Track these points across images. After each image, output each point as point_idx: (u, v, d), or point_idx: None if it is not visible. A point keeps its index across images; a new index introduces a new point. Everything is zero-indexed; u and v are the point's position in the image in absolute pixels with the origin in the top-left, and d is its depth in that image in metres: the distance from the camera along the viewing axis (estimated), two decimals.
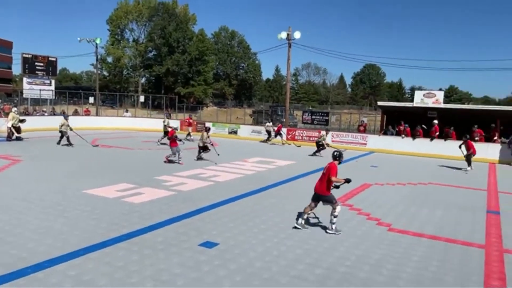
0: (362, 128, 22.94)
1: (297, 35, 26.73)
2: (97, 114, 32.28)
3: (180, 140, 13.95)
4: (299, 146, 20.74)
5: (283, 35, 26.75)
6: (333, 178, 6.58)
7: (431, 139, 19.12)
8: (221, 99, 72.52)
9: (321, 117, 27.59)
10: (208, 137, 14.46)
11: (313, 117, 27.50)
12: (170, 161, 13.37)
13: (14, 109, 20.30)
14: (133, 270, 4.93)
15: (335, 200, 6.70)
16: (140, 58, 63.01)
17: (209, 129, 15.48)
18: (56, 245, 5.62)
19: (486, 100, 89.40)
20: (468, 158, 14.67)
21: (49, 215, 7.07)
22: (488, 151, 17.78)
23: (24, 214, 7.06)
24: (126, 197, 8.63)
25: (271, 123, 23.42)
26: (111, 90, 54.31)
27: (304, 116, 28.42)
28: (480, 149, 16.06)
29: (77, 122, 24.46)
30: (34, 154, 14.70)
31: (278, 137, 22.16)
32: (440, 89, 24.76)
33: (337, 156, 6.89)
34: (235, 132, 25.73)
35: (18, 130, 18.49)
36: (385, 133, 21.33)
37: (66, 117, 17.75)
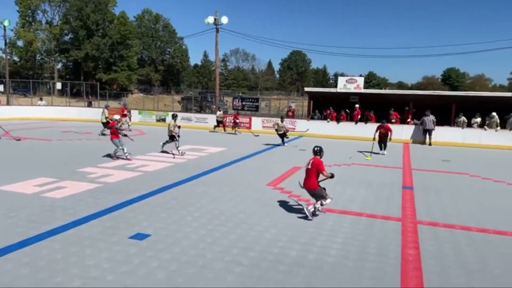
0: (290, 114, 23.61)
1: (224, 20, 26.53)
2: (8, 103, 29.35)
3: (125, 135, 12.74)
4: (257, 136, 19.72)
5: (210, 19, 26.40)
6: (325, 173, 6.69)
7: (355, 123, 20.33)
8: (147, 85, 69.78)
9: (251, 103, 27.92)
10: (179, 127, 13.43)
11: (244, 103, 27.73)
12: (118, 158, 12.00)
13: None
14: (58, 269, 4.63)
15: (326, 193, 6.82)
16: (55, 41, 58.08)
17: (176, 116, 14.27)
18: None
19: (401, 85, 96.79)
20: (385, 141, 14.73)
21: None
22: (403, 132, 19.38)
23: None
24: (46, 192, 8.02)
25: (221, 111, 22.60)
26: (23, 77, 49.54)
27: (234, 102, 28.54)
28: (395, 131, 17.45)
29: None
30: None
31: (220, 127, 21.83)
32: (361, 75, 26.31)
33: (318, 152, 6.93)
34: (164, 120, 25.01)
35: None
36: (312, 118, 22.21)
37: None
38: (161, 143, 13.70)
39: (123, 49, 58.31)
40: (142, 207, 7.24)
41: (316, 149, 6.97)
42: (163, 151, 13.47)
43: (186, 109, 34.68)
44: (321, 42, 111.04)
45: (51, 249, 5.19)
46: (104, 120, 18.45)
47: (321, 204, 6.78)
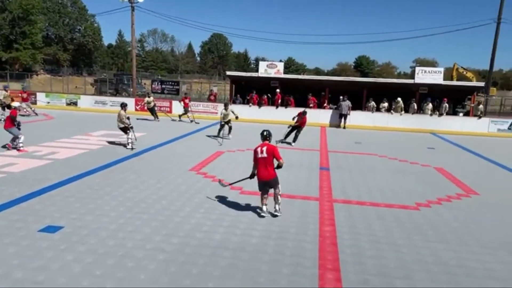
0: (212, 98, 23.43)
1: None
2: None
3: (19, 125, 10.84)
4: (198, 123, 18.25)
5: None
6: (281, 161, 6.07)
7: (276, 107, 20.85)
8: (55, 66, 63.94)
9: (172, 87, 27.15)
10: (128, 118, 11.79)
11: (163, 86, 26.86)
12: (14, 148, 10.60)
13: None
14: None
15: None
16: None
17: (126, 105, 12.26)
18: None
19: (317, 71, 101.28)
20: (296, 132, 13.78)
21: None
22: (320, 116, 20.37)
23: None
24: None
25: (151, 97, 19.74)
26: None
27: (153, 85, 27.50)
28: (313, 115, 18.29)
29: None
30: None
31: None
32: (281, 61, 26.90)
33: (268, 136, 6.29)
34: (75, 104, 23.22)
35: None
36: (234, 102, 22.29)
37: None
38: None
39: (25, 25, 52.44)
40: (53, 197, 6.71)
41: (265, 133, 6.30)
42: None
43: (100, 92, 32.49)
44: (243, 26, 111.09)
45: None
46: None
47: (280, 195, 6.32)
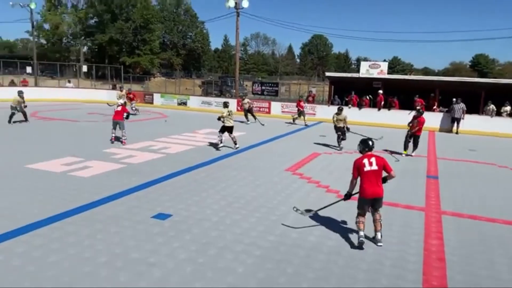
0: (310, 99, 23.36)
1: (245, 3, 26.22)
2: (36, 85, 30.11)
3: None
4: (263, 125, 17.83)
5: (231, 3, 26.13)
6: (393, 173, 5.33)
7: (378, 109, 19.95)
8: (169, 69, 70.21)
9: (271, 88, 27.79)
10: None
11: (263, 87, 27.64)
12: (117, 140, 11.95)
13: None
14: (85, 245, 4.81)
15: None
16: (81, 25, 58.85)
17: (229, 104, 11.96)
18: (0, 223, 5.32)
19: (426, 71, 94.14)
20: (414, 139, 11.86)
21: None
22: (428, 119, 18.90)
23: None
24: (74, 171, 8.28)
25: (246, 99, 19.35)
26: (51, 59, 50.55)
27: (254, 87, 28.46)
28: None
29: (14, 93, 22.70)
30: None
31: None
32: (385, 60, 25.68)
33: (373, 145, 5.47)
34: (185, 104, 25.21)
35: None
36: (332, 103, 21.93)
37: (20, 94, 15.48)
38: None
39: (146, 33, 58.65)
40: (165, 188, 7.38)
41: (371, 143, 5.46)
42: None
43: (206, 93, 34.79)
44: (344, 26, 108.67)
45: (78, 225, 5.38)
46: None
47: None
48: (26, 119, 15.66)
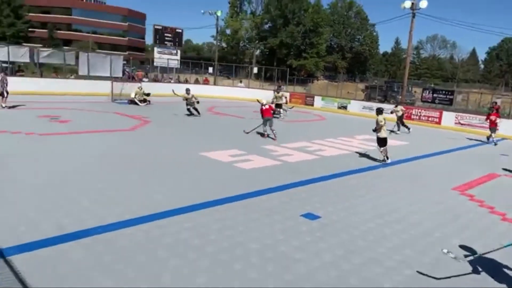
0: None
1: (423, 4, 24.32)
2: (214, 84, 34.35)
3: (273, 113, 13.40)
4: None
5: (407, 4, 24.62)
6: None
7: None
8: (333, 72, 70.66)
9: (444, 96, 25.09)
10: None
11: (435, 95, 25.16)
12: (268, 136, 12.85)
13: (140, 85, 21.90)
14: (240, 230, 5.28)
15: None
16: (256, 30, 64.40)
17: (382, 110, 10.70)
18: (175, 198, 6.29)
19: None
20: None
21: (172, 171, 7.91)
22: None
23: (151, 169, 8.00)
24: (237, 162, 9.15)
25: (399, 107, 17.50)
26: (228, 61, 57.00)
27: (424, 94, 26.19)
28: None
29: (197, 90, 26.27)
30: (160, 117, 16.38)
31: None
32: None
33: None
34: (345, 107, 25.02)
35: (143, 101, 20.39)
36: None
37: (188, 91, 17.71)
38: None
39: (314, 37, 60.40)
40: (316, 189, 7.50)
41: None
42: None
43: (369, 98, 33.67)
44: None
45: (237, 211, 5.94)
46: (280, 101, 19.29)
47: None
48: (198, 113, 17.40)
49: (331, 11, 70.96)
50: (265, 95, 27.09)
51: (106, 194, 6.28)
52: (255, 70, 41.65)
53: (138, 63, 48.08)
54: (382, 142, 10.19)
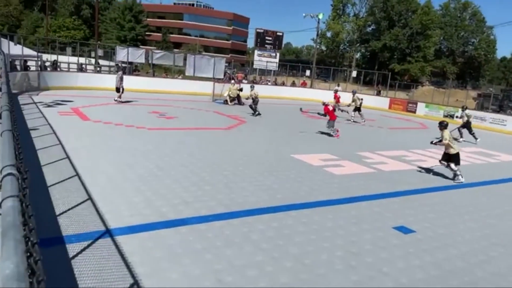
0: None
1: None
2: (311, 86, 34.25)
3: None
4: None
5: None
6: None
7: None
8: (440, 78, 65.25)
9: None
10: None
11: None
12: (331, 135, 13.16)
13: (233, 81, 22.75)
14: (325, 235, 5.21)
15: None
16: (358, 33, 62.61)
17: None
18: (263, 197, 6.45)
19: None
20: None
21: (262, 171, 8.11)
22: None
23: (242, 168, 8.31)
24: (328, 166, 9.02)
25: (467, 109, 16.14)
26: (326, 64, 56.39)
27: None
28: None
29: (292, 93, 26.71)
30: (255, 118, 16.88)
31: None
32: None
33: None
34: (452, 116, 22.94)
35: (237, 98, 21.21)
36: None
37: (252, 88, 18.06)
38: None
39: (421, 40, 56.63)
40: (411, 201, 7.04)
41: None
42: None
43: (481, 107, 30.41)
44: None
45: (324, 217, 5.87)
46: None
47: None
48: (254, 111, 17.38)
49: (442, 12, 65.63)
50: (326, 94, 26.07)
51: (202, 187, 6.69)
52: (354, 73, 40.45)
53: (239, 65, 50.19)
54: (455, 159, 8.71)
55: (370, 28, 63.75)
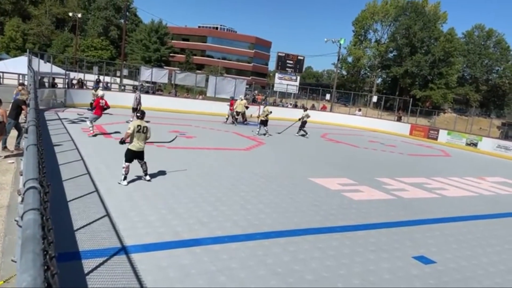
0: None
1: None
2: (331, 110, 34.20)
3: None
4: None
5: None
6: None
7: None
8: (463, 105, 64.22)
9: None
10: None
11: None
12: None
13: (241, 97, 22.68)
14: (342, 262, 5.08)
15: None
16: (379, 58, 62.60)
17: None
18: (280, 220, 6.38)
19: None
20: None
21: (279, 194, 8.05)
22: None
23: (259, 189, 8.27)
24: (346, 191, 8.89)
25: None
26: (347, 89, 56.41)
27: None
28: None
29: (313, 116, 26.59)
30: (274, 140, 16.90)
31: None
32: None
33: None
34: (475, 145, 22.42)
35: (242, 115, 21.11)
36: None
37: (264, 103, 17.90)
38: None
39: (443, 67, 56.13)
40: (433, 231, 6.83)
41: None
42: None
43: (505, 136, 29.64)
44: None
45: (341, 243, 5.75)
46: None
47: None
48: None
49: (466, 40, 65.18)
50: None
51: (218, 208, 6.68)
52: (375, 98, 40.23)
53: (260, 87, 50.70)
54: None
55: (392, 54, 63.71)
